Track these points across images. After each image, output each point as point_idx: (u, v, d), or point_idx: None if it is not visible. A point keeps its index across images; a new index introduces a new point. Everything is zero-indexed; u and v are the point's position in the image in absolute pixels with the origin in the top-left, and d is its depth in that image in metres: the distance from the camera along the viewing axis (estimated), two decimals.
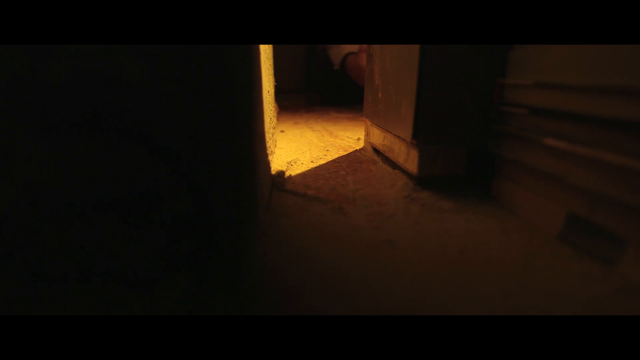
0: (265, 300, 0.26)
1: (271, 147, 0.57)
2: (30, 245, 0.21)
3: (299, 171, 0.58)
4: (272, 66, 0.64)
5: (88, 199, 0.21)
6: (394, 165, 0.56)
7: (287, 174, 0.54)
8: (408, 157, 0.49)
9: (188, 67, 0.21)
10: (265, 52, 0.49)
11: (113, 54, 0.20)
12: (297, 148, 0.74)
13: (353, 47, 1.39)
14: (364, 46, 1.33)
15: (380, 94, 0.59)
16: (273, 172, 0.53)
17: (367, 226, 0.38)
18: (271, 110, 0.59)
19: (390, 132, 0.55)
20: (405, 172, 0.52)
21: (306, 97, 1.57)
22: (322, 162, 0.63)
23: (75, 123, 0.20)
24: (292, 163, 0.62)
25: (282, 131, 0.93)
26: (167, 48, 0.21)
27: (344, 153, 0.70)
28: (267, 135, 0.49)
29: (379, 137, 0.62)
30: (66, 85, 0.20)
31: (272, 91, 0.61)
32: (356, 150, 0.72)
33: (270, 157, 0.53)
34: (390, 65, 0.53)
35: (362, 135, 0.81)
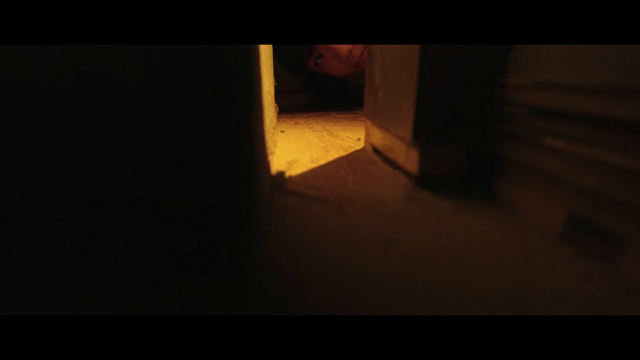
0: (266, 300, 0.26)
1: (271, 147, 0.57)
2: (30, 245, 0.21)
3: (299, 171, 0.58)
4: (272, 66, 0.64)
5: (89, 199, 0.21)
6: (394, 165, 0.56)
7: (287, 174, 0.54)
8: (408, 157, 0.49)
9: (188, 67, 0.21)
10: (266, 52, 0.49)
11: (113, 54, 0.20)
12: (297, 148, 0.74)
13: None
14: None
15: (380, 94, 0.59)
16: (273, 172, 0.53)
17: (367, 226, 0.38)
18: (271, 110, 0.59)
19: (390, 132, 0.55)
20: (405, 172, 0.52)
21: (306, 98, 1.57)
22: (323, 162, 0.63)
23: (76, 123, 0.20)
24: (293, 163, 0.62)
25: (282, 131, 0.93)
26: (168, 48, 0.21)
27: (344, 153, 0.70)
28: (267, 136, 0.49)
29: (379, 137, 0.62)
30: (67, 85, 0.20)
31: (272, 91, 0.61)
32: (356, 150, 0.72)
33: (270, 157, 0.53)
34: (391, 65, 0.53)
35: (362, 136, 0.81)
